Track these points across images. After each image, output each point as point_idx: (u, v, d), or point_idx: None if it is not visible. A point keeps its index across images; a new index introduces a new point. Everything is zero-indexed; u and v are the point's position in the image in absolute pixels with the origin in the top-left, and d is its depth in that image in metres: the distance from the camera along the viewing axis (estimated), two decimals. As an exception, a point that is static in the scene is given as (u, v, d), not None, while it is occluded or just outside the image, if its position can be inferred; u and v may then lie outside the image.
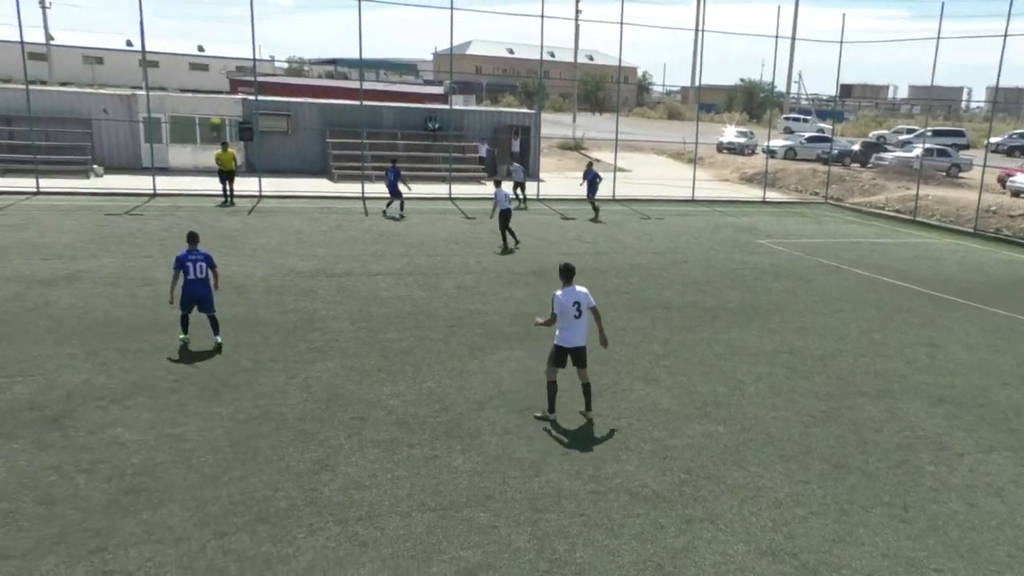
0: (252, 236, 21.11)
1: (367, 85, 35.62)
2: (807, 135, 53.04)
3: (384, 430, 9.79)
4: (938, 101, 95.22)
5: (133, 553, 7.04)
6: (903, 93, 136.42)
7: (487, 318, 14.77)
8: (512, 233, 21.40)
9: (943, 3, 32.18)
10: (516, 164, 30.37)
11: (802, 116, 70.16)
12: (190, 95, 37.13)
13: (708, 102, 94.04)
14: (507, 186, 24.82)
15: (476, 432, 9.88)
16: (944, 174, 41.59)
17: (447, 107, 37.46)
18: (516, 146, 37.06)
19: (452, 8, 30.75)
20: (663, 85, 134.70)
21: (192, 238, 12.49)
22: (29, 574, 6.67)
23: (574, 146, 50.36)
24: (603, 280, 17.76)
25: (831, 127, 53.01)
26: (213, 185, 27.06)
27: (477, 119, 38.17)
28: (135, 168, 31.45)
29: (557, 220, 26.90)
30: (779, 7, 37.64)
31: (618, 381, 11.87)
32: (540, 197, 31.46)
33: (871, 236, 27.22)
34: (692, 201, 33.68)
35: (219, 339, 12.31)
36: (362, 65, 36.57)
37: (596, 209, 27.49)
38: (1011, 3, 28.53)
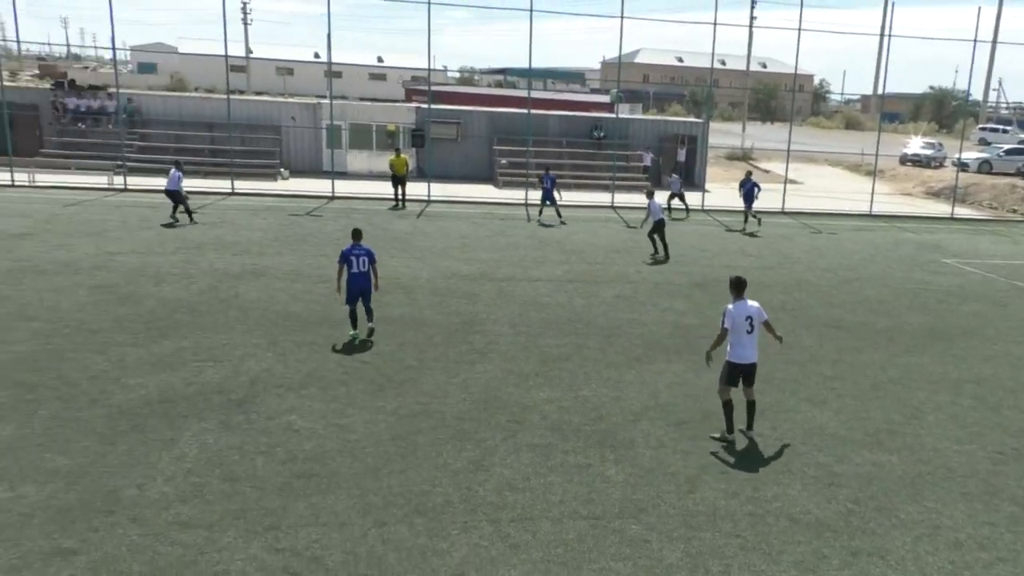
0: (420, 239, 21.95)
1: (534, 94, 36.20)
2: (1006, 147, 48.76)
3: (539, 435, 9.89)
4: None
5: (302, 534, 7.49)
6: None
7: (645, 328, 14.60)
8: (665, 246, 21.07)
9: None
10: (674, 176, 29.83)
11: (1001, 127, 64.59)
12: (368, 104, 39.17)
13: (891, 111, 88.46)
14: (660, 197, 24.35)
15: (630, 443, 9.79)
16: None
17: (613, 116, 37.37)
18: (682, 156, 36.43)
19: (622, 17, 30.67)
20: (841, 93, 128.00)
21: (356, 234, 13.22)
22: (213, 544, 7.25)
23: (742, 156, 48.88)
24: (768, 295, 17.11)
25: (1033, 138, 48.45)
26: (386, 189, 28.36)
27: (642, 128, 37.84)
28: (317, 172, 33.51)
29: (720, 231, 26.19)
30: (979, 8, 34.99)
31: (782, 401, 11.40)
32: (704, 208, 30.76)
33: (1077, 259, 24.66)
34: (869, 216, 31.82)
35: (372, 325, 13.17)
36: (531, 74, 37.18)
37: (757, 221, 26.55)
38: None
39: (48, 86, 36.81)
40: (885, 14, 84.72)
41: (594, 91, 75.88)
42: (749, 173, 27.44)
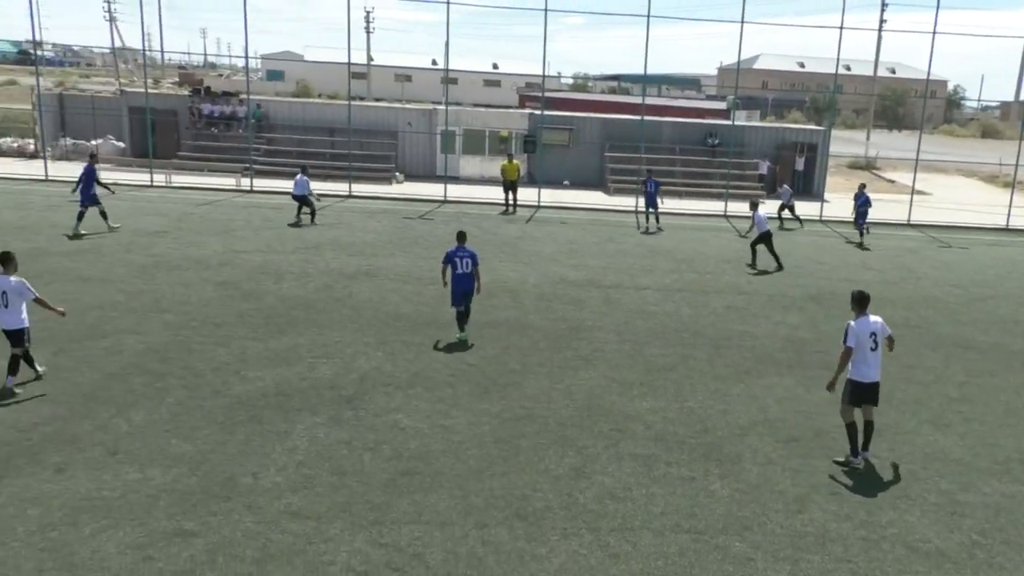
0: (528, 244, 22.08)
1: (648, 100, 35.83)
2: None
3: (642, 445, 9.77)
4: None
5: (405, 531, 7.66)
6: None
7: (756, 341, 14.20)
8: (775, 257, 20.45)
9: None
10: (784, 186, 28.83)
11: None
12: (482, 110, 39.71)
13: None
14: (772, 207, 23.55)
15: (737, 458, 9.54)
16: None
17: (728, 123, 36.57)
18: (800, 164, 35.25)
19: (743, 21, 29.96)
20: (978, 100, 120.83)
21: (460, 237, 13.50)
22: (320, 535, 7.51)
23: (865, 165, 46.86)
24: (890, 311, 16.30)
25: None
26: (497, 194, 28.68)
27: (759, 135, 36.84)
28: (430, 176, 34.23)
29: (839, 243, 25.17)
30: None
31: (901, 422, 10.85)
32: (823, 218, 29.65)
33: None
34: (1007, 230, 29.90)
35: (464, 336, 13.28)
36: (645, 80, 36.80)
37: (859, 232, 25.36)
38: None
39: (186, 93, 39.08)
40: (1029, 15, 79.54)
41: (710, 98, 74.48)
42: (862, 186, 26.23)
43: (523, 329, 14.18)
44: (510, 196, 27.94)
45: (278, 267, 17.65)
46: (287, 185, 25.80)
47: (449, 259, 13.17)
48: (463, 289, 13.17)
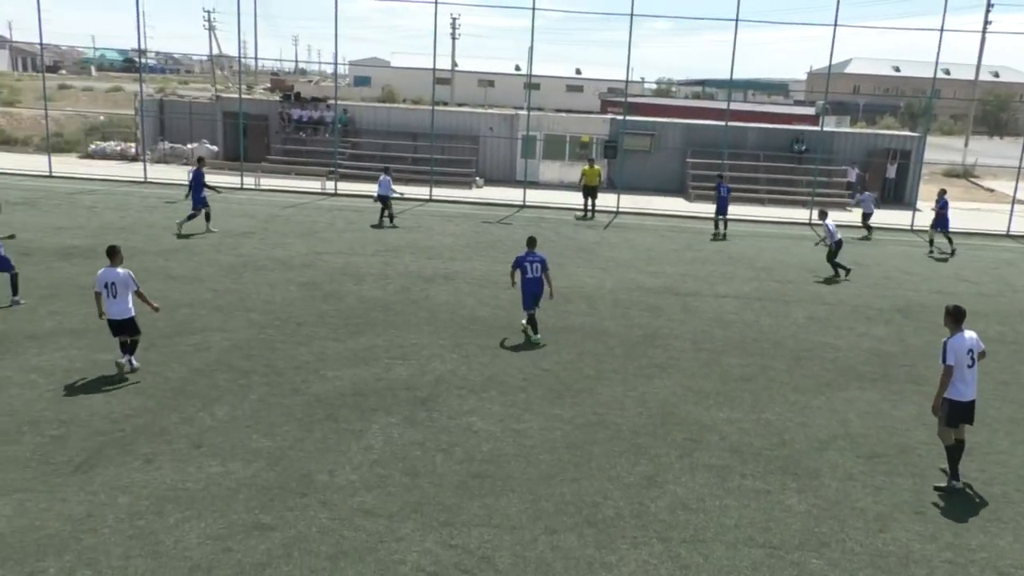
0: (606, 250, 21.96)
1: (733, 105, 35.21)
2: None
3: (716, 455, 9.59)
4: None
5: (475, 533, 7.72)
6: None
7: (839, 353, 13.77)
8: (838, 266, 19.84)
9: None
10: (866, 192, 27.77)
11: None
12: (563, 115, 39.74)
13: None
14: (833, 216, 22.73)
15: (815, 473, 9.27)
16: None
17: (817, 128, 35.59)
18: (891, 172, 34.06)
19: (836, 24, 29.08)
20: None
21: (531, 242, 13.78)
22: (392, 534, 7.63)
23: (962, 173, 44.90)
24: (983, 325, 15.58)
25: None
26: (576, 199, 28.62)
27: (849, 141, 35.71)
28: (509, 181, 34.42)
29: (946, 249, 24.16)
30: None
31: (993, 441, 10.35)
32: (914, 228, 28.54)
33: None
34: (1115, 241, 28.16)
35: (535, 336, 13.43)
36: (730, 86, 36.19)
37: (943, 242, 24.22)
38: None
39: (277, 98, 40.36)
40: None
41: (798, 103, 72.64)
42: (942, 192, 25.04)
43: (598, 335, 14.10)
44: (589, 201, 27.85)
45: (358, 269, 18.03)
46: (370, 189, 26.37)
47: (519, 264, 13.41)
48: (533, 292, 13.37)
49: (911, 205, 32.20)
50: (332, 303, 15.21)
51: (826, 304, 17.13)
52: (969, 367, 8.80)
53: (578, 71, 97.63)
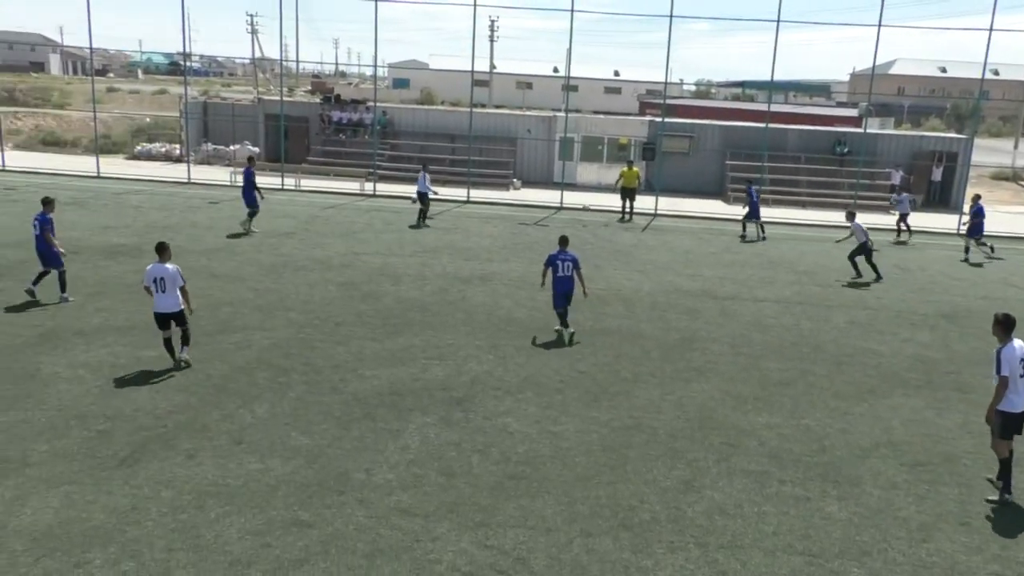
0: (643, 252, 21.84)
1: (773, 107, 34.79)
2: None
3: (755, 461, 9.49)
4: None
5: (510, 534, 7.72)
6: None
7: (881, 359, 13.53)
8: (855, 266, 19.63)
9: None
10: (903, 194, 27.16)
11: None
12: (601, 117, 39.62)
13: None
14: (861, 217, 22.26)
15: (856, 480, 9.12)
16: None
17: (859, 130, 35.04)
18: (937, 175, 33.43)
19: (880, 25, 28.58)
20: None
21: (563, 241, 13.94)
22: (428, 533, 7.67)
23: (1011, 176, 43.85)
24: (1034, 332, 15.21)
25: None
26: (613, 201, 28.52)
27: (893, 144, 35.11)
28: (547, 183, 34.41)
29: (977, 257, 23.63)
30: None
31: (1042, 452, 10.08)
32: (960, 231, 27.91)
33: None
34: None
35: (559, 328, 13.71)
36: (771, 87, 35.77)
37: (977, 247, 23.65)
38: None
39: (318, 101, 40.82)
40: None
41: (840, 104, 71.57)
42: (977, 197, 24.41)
43: (635, 338, 14.03)
44: (627, 203, 27.73)
45: (396, 269, 18.16)
46: (408, 190, 26.56)
47: (551, 262, 13.61)
48: (564, 291, 13.55)
49: (957, 208, 31.53)
50: (370, 303, 15.33)
51: (868, 309, 16.85)
52: (1021, 376, 8.56)
53: (616, 73, 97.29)
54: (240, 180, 22.61)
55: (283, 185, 30.89)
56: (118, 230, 20.82)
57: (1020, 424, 8.65)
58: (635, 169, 28.13)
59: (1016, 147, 57.85)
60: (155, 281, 11.29)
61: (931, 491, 8.93)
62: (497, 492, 8.49)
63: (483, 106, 62.13)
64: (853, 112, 51.52)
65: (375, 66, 37.62)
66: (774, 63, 29.56)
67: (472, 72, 31.47)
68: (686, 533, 7.87)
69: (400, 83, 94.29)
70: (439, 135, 35.51)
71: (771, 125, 31.67)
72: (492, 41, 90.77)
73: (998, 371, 8.54)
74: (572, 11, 29.87)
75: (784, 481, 9.03)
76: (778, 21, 28.60)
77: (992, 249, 23.61)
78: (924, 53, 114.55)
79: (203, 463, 8.77)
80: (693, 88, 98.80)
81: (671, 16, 29.31)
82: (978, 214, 23.48)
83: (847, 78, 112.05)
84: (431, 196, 24.67)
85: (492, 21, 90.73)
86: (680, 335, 14.33)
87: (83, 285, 15.26)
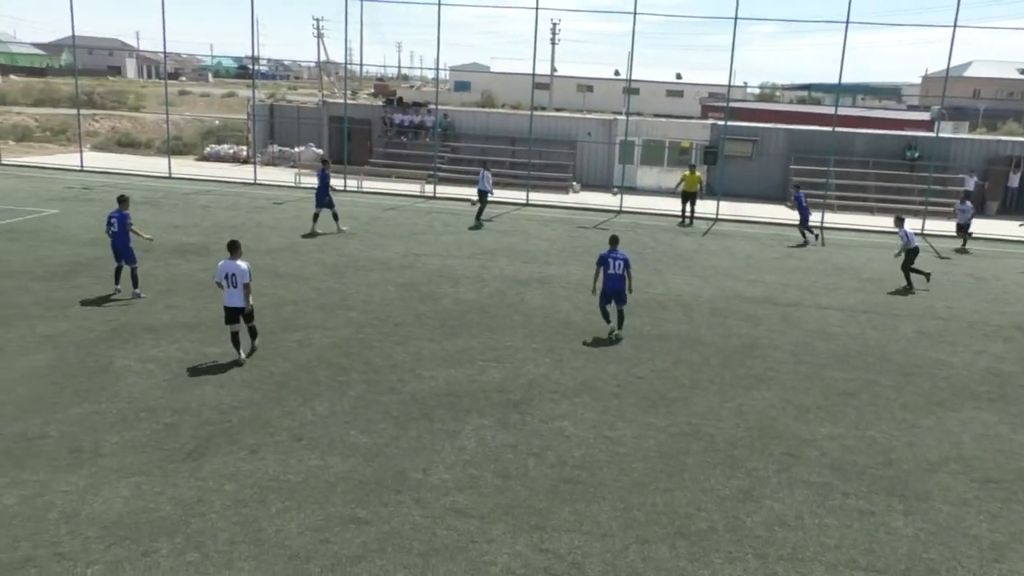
0: (704, 257, 21.57)
1: (840, 111, 33.99)
2: None
3: (816, 472, 9.28)
4: None
5: (565, 538, 7.70)
6: None
7: (952, 371, 13.10)
8: (914, 272, 19.03)
9: None
10: (967, 203, 26.11)
11: None
12: (663, 120, 39.25)
13: None
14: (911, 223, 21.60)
15: (924, 495, 8.84)
16: None
17: (931, 135, 34.01)
18: (1014, 180, 32.22)
19: (955, 26, 27.66)
20: None
21: (613, 240, 14.19)
22: (483, 535, 7.70)
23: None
24: (1117, 346, 14.55)
25: None
26: (673, 205, 28.23)
27: (967, 148, 33.96)
28: (606, 186, 34.24)
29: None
30: None
31: (1124, 472, 9.63)
32: (1039, 240, 26.88)
33: None
34: None
35: (619, 333, 13.87)
36: (839, 89, 34.95)
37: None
38: None
39: (380, 103, 41.39)
40: None
41: (911, 108, 69.62)
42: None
43: (694, 344, 13.86)
44: (688, 208, 27.42)
45: (455, 271, 18.28)
46: (467, 192, 26.72)
47: (603, 260, 13.85)
48: (614, 288, 13.79)
49: (1034, 216, 30.34)
50: (429, 304, 15.47)
51: (938, 319, 16.34)
52: None
53: (678, 75, 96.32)
54: (315, 182, 23.05)
55: (345, 186, 31.38)
56: (187, 229, 21.43)
57: None
58: (697, 173, 27.80)
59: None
60: (226, 277, 11.72)
61: (1004, 509, 8.62)
62: (553, 496, 8.47)
63: (543, 109, 62.14)
64: (925, 116, 50.05)
65: (437, 69, 38.00)
66: (842, 65, 28.81)
67: (533, 75, 31.53)
68: (745, 544, 7.74)
69: (461, 86, 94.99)
70: (499, 138, 35.64)
71: (838, 129, 30.93)
72: (553, 44, 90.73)
73: None
74: (635, 13, 29.65)
75: (847, 494, 8.81)
76: (847, 22, 27.91)
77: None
78: (1002, 54, 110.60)
79: (265, 458, 8.96)
80: (757, 91, 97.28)
81: (736, 18, 28.87)
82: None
83: (919, 81, 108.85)
84: (489, 198, 24.89)
85: (554, 24, 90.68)
86: (740, 342, 14.11)
87: (153, 282, 15.75)
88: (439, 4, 30.71)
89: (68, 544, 7.18)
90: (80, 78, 41.22)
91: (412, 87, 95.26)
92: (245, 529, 7.56)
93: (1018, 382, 12.67)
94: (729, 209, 29.46)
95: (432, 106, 35.85)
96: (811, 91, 79.80)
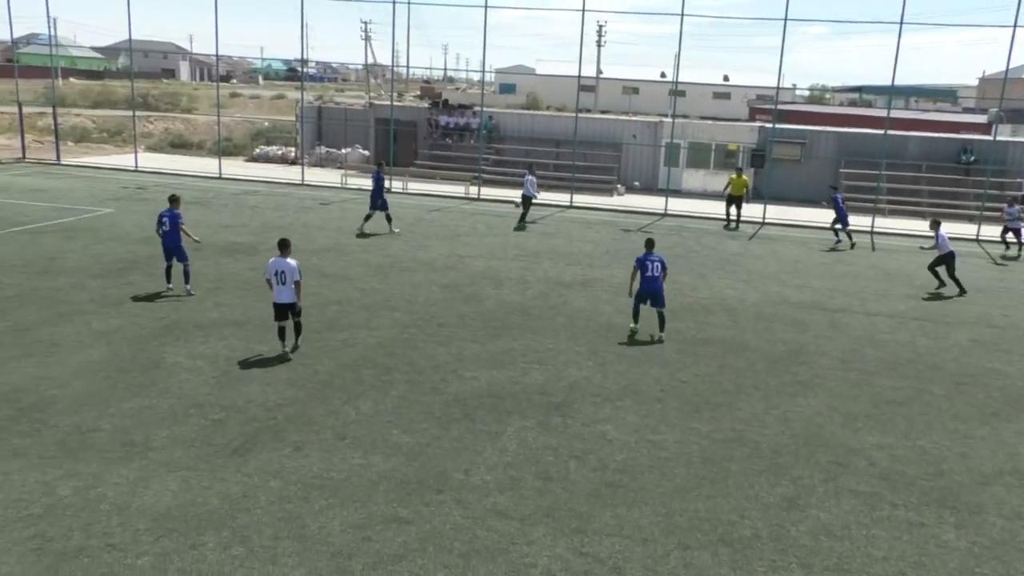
0: (749, 261, 21.30)
1: (893, 113, 33.29)
2: None
3: (864, 481, 9.10)
4: None
5: (606, 542, 7.66)
6: None
7: (1008, 380, 12.74)
8: (957, 282, 18.59)
9: None
10: (1016, 206, 25.23)
11: None
12: (709, 122, 38.85)
13: None
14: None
15: (977, 508, 8.62)
16: None
17: (988, 138, 33.13)
18: (1075, 184, 31.19)
19: (1015, 25, 26.89)
20: None
21: (649, 244, 14.32)
22: (523, 536, 7.70)
23: None
24: None
25: None
26: (719, 209, 27.93)
27: (1025, 151, 33.02)
28: (651, 189, 34.02)
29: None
30: None
31: None
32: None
33: None
34: None
35: (662, 334, 13.94)
36: (891, 91, 34.24)
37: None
38: None
39: (426, 105, 41.69)
40: None
41: (967, 110, 67.93)
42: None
43: (739, 349, 13.70)
44: (734, 211, 27.10)
45: (499, 273, 18.32)
46: (512, 194, 26.76)
47: (640, 263, 14.03)
48: (651, 289, 13.96)
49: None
50: (472, 305, 15.52)
51: (994, 327, 15.90)
52: None
53: (725, 78, 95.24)
54: (362, 183, 23.38)
55: (391, 188, 31.64)
56: (236, 229, 21.83)
57: None
58: (744, 177, 27.47)
59: None
60: (276, 274, 12.04)
61: (1060, 524, 8.35)
62: (594, 499, 8.44)
63: (588, 111, 61.98)
64: (982, 118, 48.77)
65: (483, 71, 38.23)
66: (895, 67, 28.18)
67: (579, 77, 31.48)
68: (789, 553, 7.62)
69: (506, 88, 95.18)
70: (544, 140, 35.64)
71: (890, 132, 30.30)
72: (599, 46, 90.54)
73: None
74: (682, 15, 29.42)
75: (896, 504, 8.62)
76: (901, 23, 27.31)
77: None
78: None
79: (309, 456, 9.07)
80: (806, 93, 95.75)
81: (785, 19, 28.48)
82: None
83: (975, 82, 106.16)
84: (534, 201, 24.97)
85: (600, 26, 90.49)
86: (786, 347, 13.90)
87: (203, 280, 16.07)
88: (486, 6, 30.84)
89: (119, 535, 7.36)
90: (136, 81, 42.27)
91: (457, 89, 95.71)
92: (289, 525, 7.67)
93: (1077, 393, 12.27)
94: (776, 213, 29.06)
95: (477, 108, 35.99)
96: (862, 93, 78.36)
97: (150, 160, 35.73)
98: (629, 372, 12.30)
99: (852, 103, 78.75)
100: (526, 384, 11.59)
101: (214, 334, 13.05)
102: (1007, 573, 7.44)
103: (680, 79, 32.30)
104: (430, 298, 15.91)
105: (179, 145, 42.75)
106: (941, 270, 18.83)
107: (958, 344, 14.61)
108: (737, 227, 26.84)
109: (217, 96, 36.76)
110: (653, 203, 30.34)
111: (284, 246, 12.22)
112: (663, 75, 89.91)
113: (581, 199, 30.51)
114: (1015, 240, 24.50)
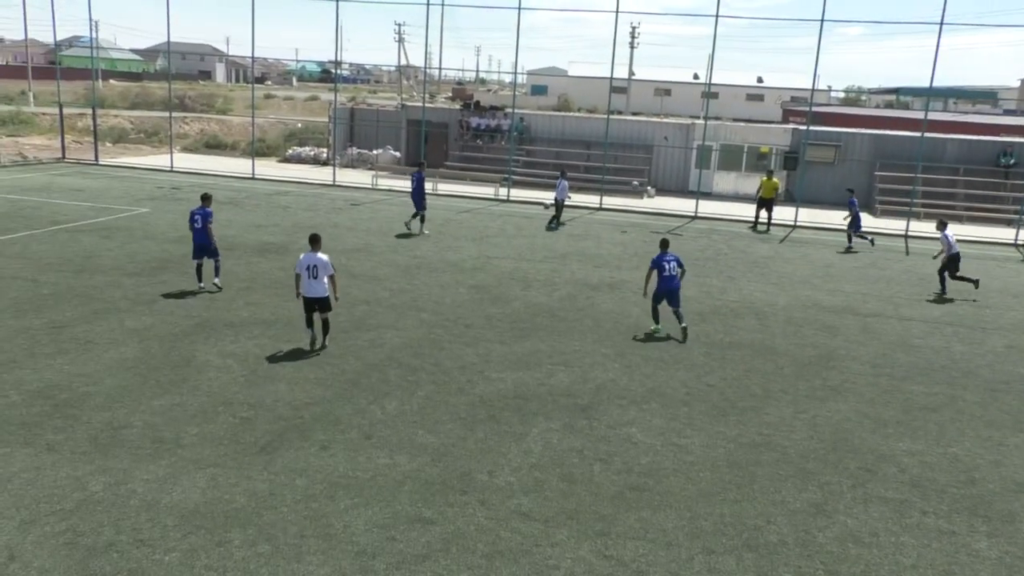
0: (780, 264, 21.08)
1: (931, 115, 32.77)
2: None
3: (894, 488, 8.97)
4: None
5: (630, 545, 7.63)
6: None
7: (1045, 388, 12.48)
8: (967, 279, 18.34)
9: None
10: None
11: None
12: (742, 124, 38.53)
13: None
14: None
15: (1010, 517, 8.45)
16: None
17: (1028, 139, 32.46)
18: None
19: (1051, 26, 26.30)
20: None
21: (664, 244, 14.46)
22: (547, 538, 7.70)
23: None
24: None
25: None
26: (750, 212, 27.68)
27: (1066, 154, 32.32)
28: (682, 191, 33.83)
29: None
30: None
31: None
32: None
33: None
34: None
35: (685, 324, 14.09)
36: (929, 93, 33.68)
37: None
38: None
39: (458, 107, 41.85)
40: None
41: (1007, 112, 66.64)
42: None
43: (768, 353, 13.57)
44: (765, 214, 26.85)
45: (526, 274, 18.33)
46: (541, 196, 26.76)
47: (657, 263, 14.06)
48: (669, 289, 14.03)
49: None
50: (499, 307, 15.55)
51: (1030, 333, 15.59)
52: None
53: (759, 79, 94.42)
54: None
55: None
56: (268, 229, 22.08)
57: None
58: (775, 180, 27.19)
59: None
60: (307, 268, 12.27)
61: (1096, 535, 8.16)
62: (618, 502, 8.41)
63: (619, 113, 61.75)
64: (1022, 121, 47.75)
65: (515, 73, 38.16)
66: (934, 68, 27.67)
67: (611, 79, 31.42)
68: (815, 559, 7.54)
69: (538, 90, 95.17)
70: (574, 142, 35.60)
71: (927, 134, 29.82)
72: (632, 48, 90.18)
73: None
74: (716, 16, 29.23)
75: (926, 512, 8.49)
76: (941, 24, 26.83)
77: None
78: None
79: (335, 455, 9.15)
80: (842, 95, 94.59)
81: (822, 20, 28.17)
82: None
83: (1017, 84, 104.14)
84: (566, 204, 25.11)
85: (633, 28, 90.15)
86: (816, 352, 13.74)
87: (234, 280, 16.27)
88: (519, 8, 30.92)
89: (148, 531, 7.49)
90: (173, 82, 42.94)
91: (489, 91, 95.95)
92: (314, 524, 7.74)
93: (1117, 402, 11.98)
94: (808, 216, 28.74)
95: (508, 110, 36.04)
96: (899, 95, 77.18)
97: (185, 161, 36.27)
98: (655, 375, 12.24)
99: (889, 105, 77.60)
100: (552, 386, 11.59)
101: (244, 333, 13.22)
102: (1040, 585, 7.30)
103: (713, 81, 32.02)
104: (457, 299, 15.97)
105: (214, 146, 43.35)
106: (948, 273, 18.53)
107: (993, 350, 14.34)
108: (768, 230, 26.59)
109: (252, 97, 37.21)
110: (683, 205, 30.17)
111: (315, 241, 12.47)
112: (696, 77, 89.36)
113: (611, 201, 30.42)
114: None
